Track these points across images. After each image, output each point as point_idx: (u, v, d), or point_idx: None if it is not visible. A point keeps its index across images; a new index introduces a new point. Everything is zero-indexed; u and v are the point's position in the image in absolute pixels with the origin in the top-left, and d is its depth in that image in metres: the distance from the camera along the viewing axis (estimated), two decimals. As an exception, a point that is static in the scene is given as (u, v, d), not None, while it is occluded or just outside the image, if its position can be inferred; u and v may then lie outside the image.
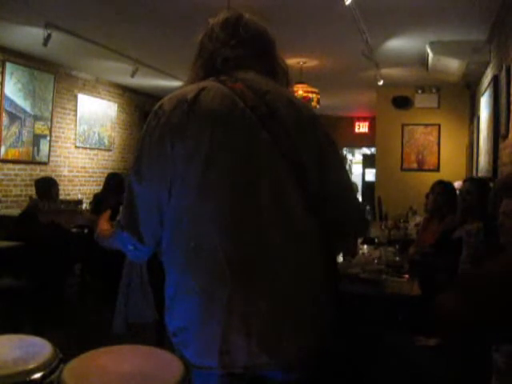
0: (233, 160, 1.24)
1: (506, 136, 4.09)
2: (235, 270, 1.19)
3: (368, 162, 12.73)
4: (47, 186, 4.78)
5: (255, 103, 1.27)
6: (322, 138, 1.35)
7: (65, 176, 7.34)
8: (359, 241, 3.72)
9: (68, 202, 6.83)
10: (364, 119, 11.75)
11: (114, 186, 5.26)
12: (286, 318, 1.21)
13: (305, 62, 6.37)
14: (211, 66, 1.37)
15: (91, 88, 7.83)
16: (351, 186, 1.43)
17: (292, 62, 6.25)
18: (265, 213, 1.22)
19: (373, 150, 11.59)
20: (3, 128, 6.10)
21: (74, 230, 5.36)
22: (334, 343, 1.36)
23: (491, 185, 2.96)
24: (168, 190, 1.24)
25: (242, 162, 1.24)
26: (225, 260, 1.19)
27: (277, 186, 1.25)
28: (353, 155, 14.71)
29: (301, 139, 1.30)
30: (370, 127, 11.25)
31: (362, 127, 11.89)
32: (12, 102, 6.22)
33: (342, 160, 1.46)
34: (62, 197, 6.53)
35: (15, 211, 5.60)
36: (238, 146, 1.24)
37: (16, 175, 6.43)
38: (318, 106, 6.32)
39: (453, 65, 5.47)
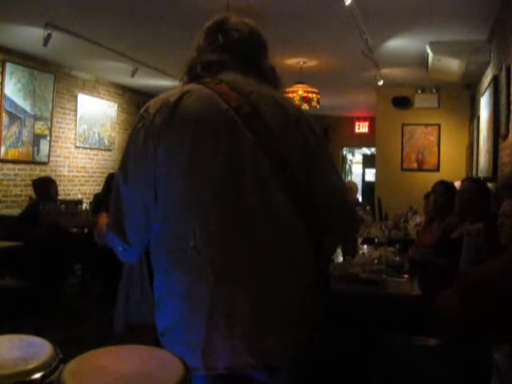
0: (216, 161, 1.24)
1: (506, 136, 4.09)
2: (218, 271, 1.19)
3: (368, 162, 12.74)
4: (45, 186, 4.78)
5: (239, 103, 1.27)
6: (310, 138, 1.34)
7: (65, 176, 7.34)
8: (359, 241, 3.73)
9: (67, 202, 6.84)
10: (364, 119, 11.74)
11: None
12: (269, 318, 1.21)
13: (305, 62, 6.37)
14: (194, 72, 1.38)
15: (91, 88, 7.83)
16: (341, 186, 1.41)
17: (292, 61, 6.25)
18: (249, 213, 1.22)
19: (373, 149, 11.59)
20: (3, 128, 6.10)
21: (75, 229, 5.35)
22: (321, 345, 1.36)
23: (490, 185, 2.96)
24: (153, 192, 1.25)
25: (225, 163, 1.24)
26: (208, 261, 1.19)
27: (262, 186, 1.25)
28: (353, 155, 14.71)
29: (286, 139, 1.29)
30: (370, 127, 11.24)
31: (362, 127, 11.88)
32: (12, 102, 6.21)
33: (332, 160, 1.45)
34: (61, 197, 6.53)
35: (15, 211, 5.60)
36: (220, 147, 1.24)
37: (16, 175, 6.43)
38: (317, 106, 6.32)
39: (453, 65, 5.47)
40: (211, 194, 1.22)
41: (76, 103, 7.50)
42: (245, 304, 1.19)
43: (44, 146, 6.84)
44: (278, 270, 1.23)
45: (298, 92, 6.07)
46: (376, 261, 2.96)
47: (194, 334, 1.19)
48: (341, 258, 3.12)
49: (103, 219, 1.44)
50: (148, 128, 1.26)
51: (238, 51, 1.38)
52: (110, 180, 5.41)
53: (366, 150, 13.54)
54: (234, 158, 1.24)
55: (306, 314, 1.28)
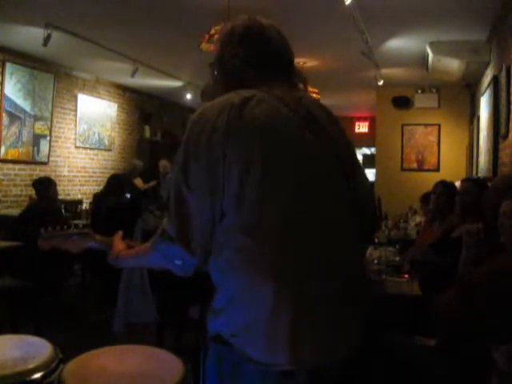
0: (286, 168, 1.23)
1: (506, 136, 4.10)
2: (299, 271, 1.20)
3: (368, 162, 12.72)
4: (45, 187, 4.78)
5: (296, 107, 1.28)
6: (349, 141, 1.42)
7: (65, 176, 7.34)
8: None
9: (67, 202, 6.82)
10: (364, 119, 11.75)
11: (113, 187, 5.28)
12: (346, 314, 1.26)
13: (305, 62, 6.37)
14: (236, 82, 1.34)
15: (91, 88, 7.83)
16: (372, 191, 1.49)
17: (292, 62, 6.25)
18: (323, 218, 1.24)
19: (373, 149, 11.58)
20: (3, 128, 6.10)
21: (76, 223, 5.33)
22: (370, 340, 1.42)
23: (490, 185, 2.96)
24: (222, 198, 1.21)
25: (295, 168, 1.23)
26: (290, 262, 1.20)
27: (331, 188, 1.27)
28: (353, 155, 14.70)
29: (338, 140, 1.34)
30: (370, 127, 11.24)
31: (362, 127, 11.89)
32: (12, 102, 6.22)
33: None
34: (61, 197, 6.54)
35: (15, 211, 5.60)
36: (288, 151, 1.23)
37: (16, 175, 6.43)
38: (318, 106, 6.33)
39: (453, 65, 5.47)
40: (286, 200, 1.21)
41: (76, 103, 7.50)
42: (324, 302, 1.21)
43: (44, 146, 6.84)
44: (348, 269, 1.27)
45: (297, 92, 6.07)
46: (376, 261, 2.96)
47: (278, 330, 1.18)
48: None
49: (118, 244, 1.41)
50: (211, 132, 1.21)
51: (282, 61, 1.38)
52: (111, 181, 5.42)
53: (366, 150, 13.51)
54: (301, 162, 1.25)
55: (367, 310, 1.33)
